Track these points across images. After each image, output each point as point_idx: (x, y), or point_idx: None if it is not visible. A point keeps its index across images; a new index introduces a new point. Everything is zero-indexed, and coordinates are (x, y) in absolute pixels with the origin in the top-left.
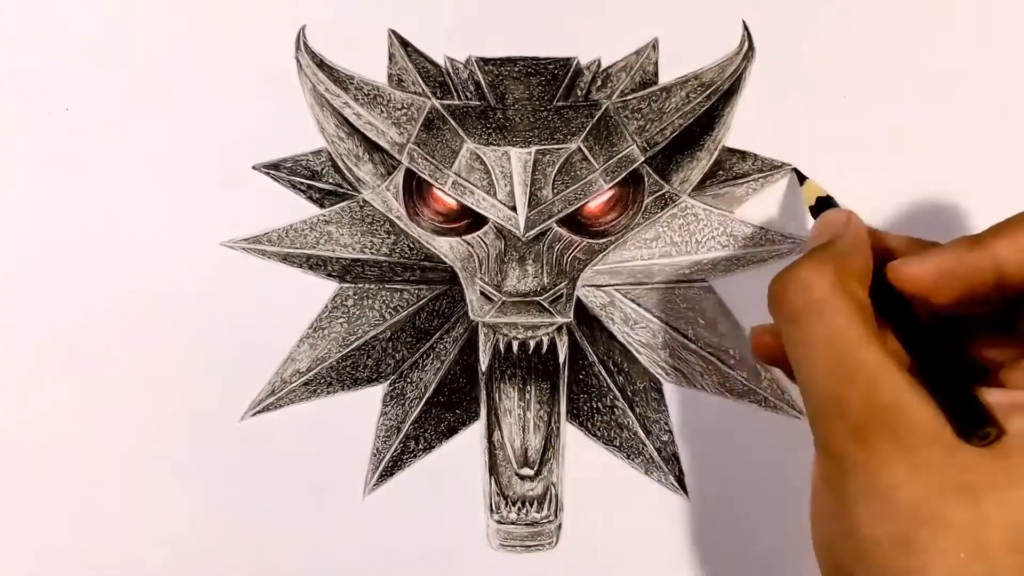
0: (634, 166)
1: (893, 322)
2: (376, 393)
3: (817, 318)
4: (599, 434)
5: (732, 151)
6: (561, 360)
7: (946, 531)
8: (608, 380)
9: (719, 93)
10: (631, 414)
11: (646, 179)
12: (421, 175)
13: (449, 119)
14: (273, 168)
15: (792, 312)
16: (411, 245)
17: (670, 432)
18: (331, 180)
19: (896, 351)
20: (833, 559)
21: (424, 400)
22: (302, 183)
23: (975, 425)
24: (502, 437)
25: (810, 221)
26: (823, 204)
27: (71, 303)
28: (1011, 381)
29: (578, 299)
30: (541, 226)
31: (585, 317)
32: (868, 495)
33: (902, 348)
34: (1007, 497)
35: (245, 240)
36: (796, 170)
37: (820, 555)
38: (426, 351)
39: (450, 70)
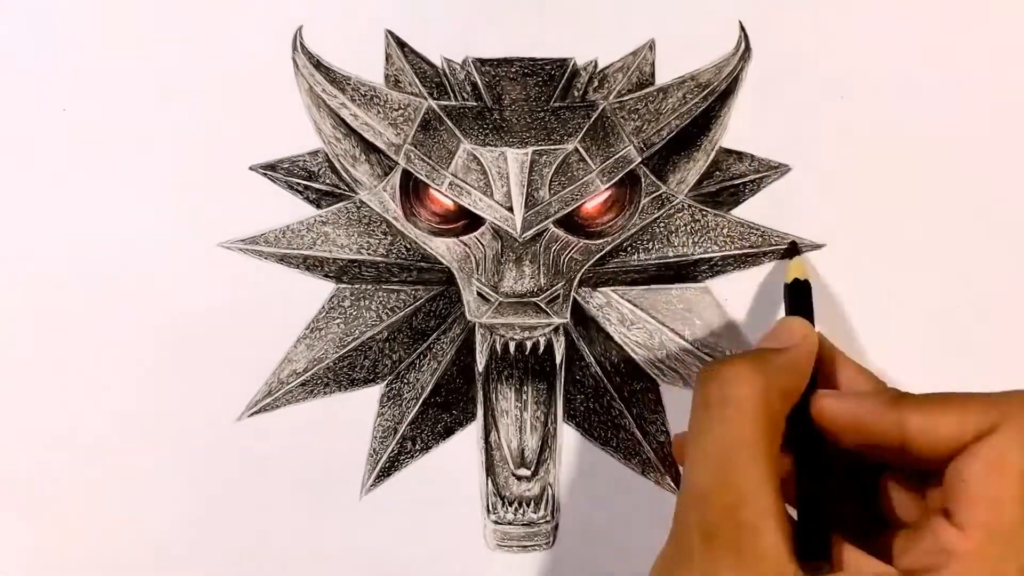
0: (631, 167)
1: (800, 443)
2: (373, 394)
3: (728, 415)
4: (596, 435)
5: (729, 152)
6: (558, 361)
7: None
8: (605, 381)
9: (716, 94)
10: (628, 415)
11: (643, 180)
12: (418, 176)
13: (446, 120)
14: (270, 169)
15: (708, 400)
16: (408, 246)
17: (667, 433)
18: (328, 181)
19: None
20: None
21: (421, 401)
22: (299, 184)
23: (815, 556)
24: (499, 438)
25: (805, 224)
26: (797, 288)
27: (66, 303)
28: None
29: (575, 300)
30: (538, 227)
31: (582, 318)
32: None
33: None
34: None
35: (242, 241)
36: (794, 242)
37: None
38: (423, 352)
39: (447, 71)
